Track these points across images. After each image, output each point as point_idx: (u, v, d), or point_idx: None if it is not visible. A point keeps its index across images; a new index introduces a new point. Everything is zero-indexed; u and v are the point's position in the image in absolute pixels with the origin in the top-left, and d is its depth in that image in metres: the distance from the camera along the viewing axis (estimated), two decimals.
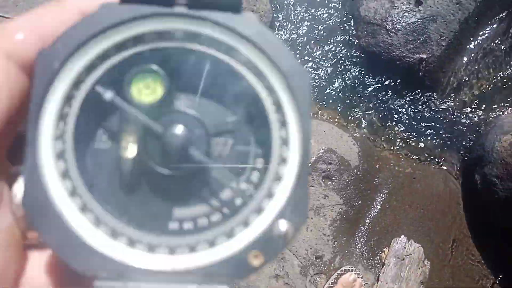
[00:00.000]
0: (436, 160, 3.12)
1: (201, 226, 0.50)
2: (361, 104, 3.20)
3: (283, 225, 0.47)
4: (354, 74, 3.25)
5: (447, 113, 3.21)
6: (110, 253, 0.46)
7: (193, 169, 0.49)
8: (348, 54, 3.30)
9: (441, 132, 3.17)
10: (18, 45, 0.45)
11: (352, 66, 3.27)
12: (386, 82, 3.23)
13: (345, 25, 3.35)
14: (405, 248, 2.64)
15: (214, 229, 0.49)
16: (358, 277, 2.50)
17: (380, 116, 3.18)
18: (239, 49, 0.49)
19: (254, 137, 0.52)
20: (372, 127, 3.15)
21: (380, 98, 3.21)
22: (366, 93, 3.22)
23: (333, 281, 2.47)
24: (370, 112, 3.18)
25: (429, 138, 3.16)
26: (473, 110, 3.21)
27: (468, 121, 3.19)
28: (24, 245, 0.49)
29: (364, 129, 3.14)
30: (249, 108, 0.51)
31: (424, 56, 3.12)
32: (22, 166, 0.45)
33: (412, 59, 3.13)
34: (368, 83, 3.24)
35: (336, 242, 2.64)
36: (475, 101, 3.22)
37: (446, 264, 2.78)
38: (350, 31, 3.34)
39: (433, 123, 3.19)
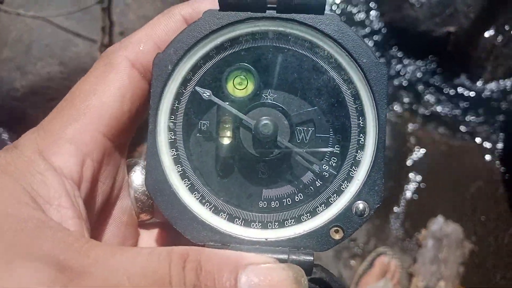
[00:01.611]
0: (472, 136, 2.99)
1: (287, 205, 0.59)
2: (389, 83, 3.10)
3: (360, 205, 0.56)
4: (380, 51, 3.15)
5: (480, 88, 3.08)
6: (216, 226, 0.57)
7: (279, 154, 0.59)
8: (372, 31, 3.20)
9: (474, 107, 3.05)
10: (139, 54, 0.57)
11: (377, 43, 3.17)
12: (414, 58, 3.12)
13: (369, 1, 3.25)
14: (442, 228, 2.54)
15: (299, 208, 0.59)
16: (393, 258, 2.42)
17: (410, 93, 3.08)
18: (321, 46, 0.58)
19: (333, 125, 0.59)
20: (402, 105, 3.05)
21: (409, 75, 3.11)
22: (394, 71, 3.12)
23: (368, 263, 2.40)
24: (400, 90, 3.08)
25: (462, 114, 3.04)
26: (507, 83, 3.07)
27: (503, 94, 3.05)
28: (138, 224, 0.64)
29: (395, 108, 3.04)
30: (329, 100, 0.59)
31: (452, 29, 3.00)
32: (145, 153, 0.58)
33: (439, 33, 3.01)
34: (395, 60, 3.14)
35: (370, 225, 2.56)
36: (509, 74, 3.08)
37: (487, 244, 2.66)
38: (374, 7, 3.24)
39: (466, 98, 3.07)
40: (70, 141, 0.52)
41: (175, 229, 0.57)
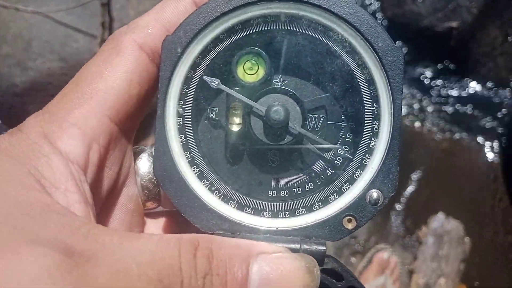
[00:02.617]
0: (473, 133, 2.98)
1: (297, 194, 0.57)
2: None
3: (375, 194, 0.54)
4: None
5: (482, 84, 3.06)
6: (226, 214, 0.55)
7: (291, 142, 0.57)
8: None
9: (476, 104, 3.03)
10: (148, 37, 0.55)
11: None
12: (416, 54, 3.10)
13: None
14: (443, 225, 2.53)
15: (311, 197, 0.57)
16: (392, 254, 2.42)
17: (411, 89, 3.06)
18: (335, 29, 0.56)
19: (346, 112, 0.57)
20: (404, 101, 3.03)
21: (411, 70, 3.09)
22: None
23: (368, 260, 2.40)
24: (404, 77, 3.07)
25: (464, 111, 3.02)
26: (510, 79, 3.05)
27: (506, 91, 3.03)
28: (144, 213, 0.62)
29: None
30: (343, 85, 0.57)
31: (455, 24, 2.97)
32: (155, 138, 0.56)
33: (441, 28, 2.98)
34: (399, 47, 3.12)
35: (370, 222, 2.55)
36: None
37: (488, 241, 2.65)
38: (375, 2, 3.22)
39: (467, 95, 3.05)
40: (76, 125, 0.50)
41: (182, 218, 0.56)
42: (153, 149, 0.59)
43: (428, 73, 3.09)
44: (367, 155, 0.57)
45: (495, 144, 2.94)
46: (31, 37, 2.14)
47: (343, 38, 0.56)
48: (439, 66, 3.10)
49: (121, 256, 0.40)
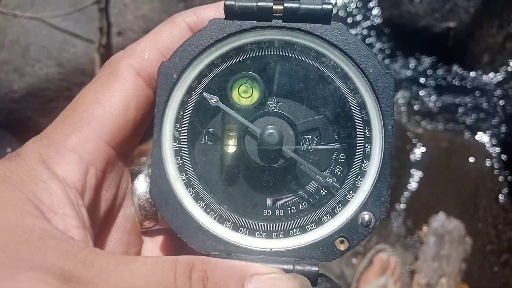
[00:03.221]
0: (473, 132, 2.98)
1: (291, 214, 0.59)
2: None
3: (366, 216, 0.55)
4: (379, 48, 3.14)
5: (481, 84, 3.06)
6: (221, 235, 0.57)
7: (284, 164, 0.58)
8: (372, 27, 3.18)
9: (475, 104, 3.03)
10: (144, 63, 0.56)
11: (377, 40, 3.16)
12: (414, 54, 3.11)
13: None
14: (444, 225, 2.53)
15: (304, 217, 0.58)
16: (392, 255, 2.42)
17: (410, 90, 3.07)
18: (328, 56, 0.58)
19: (339, 135, 0.58)
20: (403, 101, 3.04)
21: (409, 71, 3.10)
22: (394, 67, 3.10)
23: (368, 260, 2.39)
24: (400, 86, 3.07)
25: (463, 110, 3.03)
26: (508, 79, 3.05)
27: (504, 90, 3.03)
28: (141, 232, 0.63)
29: (395, 105, 3.03)
30: (335, 109, 0.58)
31: (452, 24, 2.98)
32: (151, 161, 0.57)
33: (439, 28, 2.99)
34: (395, 57, 3.12)
35: None
36: (510, 69, 3.06)
37: (489, 240, 2.65)
38: (373, 3, 3.22)
39: (466, 95, 3.05)
40: (73, 150, 0.51)
41: (179, 237, 0.57)
42: (149, 170, 0.59)
43: (426, 73, 3.10)
44: (359, 177, 0.58)
45: (495, 143, 2.94)
46: (29, 43, 2.15)
47: (335, 64, 0.58)
48: (437, 66, 3.10)
49: (117, 281, 0.41)
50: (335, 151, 0.59)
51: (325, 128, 0.59)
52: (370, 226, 0.56)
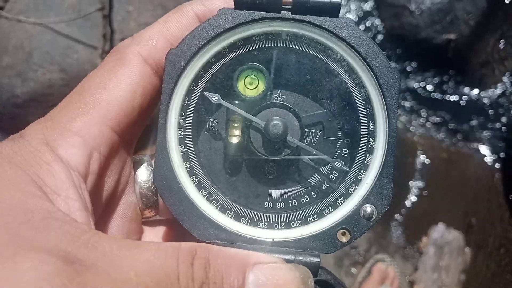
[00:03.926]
0: (473, 144, 2.98)
1: (293, 207, 0.59)
2: None
3: (368, 209, 0.56)
4: None
5: (481, 95, 3.07)
6: (223, 224, 0.57)
7: (289, 155, 0.58)
8: (373, 38, 3.20)
9: (475, 114, 3.04)
10: (152, 50, 0.56)
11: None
12: (414, 66, 3.12)
13: (368, 8, 3.26)
14: (444, 236, 2.52)
15: (306, 209, 0.58)
16: (391, 264, 2.41)
17: (411, 101, 3.07)
18: (334, 49, 0.58)
19: (343, 129, 0.59)
20: (403, 112, 3.04)
21: (409, 82, 3.11)
22: None
23: (367, 270, 2.39)
24: (400, 97, 3.08)
25: (463, 121, 3.03)
26: (507, 90, 3.07)
27: (503, 101, 3.04)
28: (142, 221, 0.63)
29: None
30: (340, 103, 0.58)
31: (452, 36, 3.00)
32: (155, 148, 0.57)
33: (439, 40, 3.01)
34: (395, 68, 3.13)
35: (371, 232, 2.55)
36: (510, 80, 3.07)
37: (488, 251, 2.64)
38: (374, 14, 3.24)
39: (466, 105, 3.06)
40: (77, 133, 0.51)
41: (180, 227, 0.57)
42: (152, 159, 0.61)
43: (427, 83, 3.11)
44: (362, 170, 0.58)
45: (494, 154, 2.95)
46: (32, 48, 2.15)
47: (341, 58, 0.58)
48: (438, 77, 3.11)
49: (120, 265, 0.41)
50: (339, 144, 0.59)
51: (329, 121, 0.59)
52: (372, 219, 0.56)
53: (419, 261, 2.50)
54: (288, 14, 0.57)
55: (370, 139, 0.58)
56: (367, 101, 0.58)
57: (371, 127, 0.58)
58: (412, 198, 2.72)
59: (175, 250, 0.44)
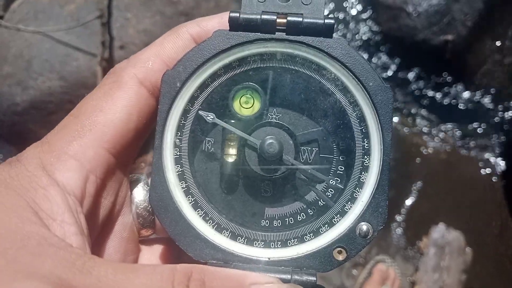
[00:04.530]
0: (471, 145, 2.99)
1: (289, 224, 0.59)
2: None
3: (364, 227, 0.56)
4: (378, 61, 3.16)
5: (478, 96, 3.08)
6: (219, 244, 0.57)
7: (284, 173, 0.59)
8: (370, 40, 3.21)
9: (473, 116, 3.04)
10: (148, 72, 0.57)
11: (375, 53, 3.18)
12: (413, 67, 3.12)
13: (366, 11, 3.27)
14: (444, 236, 2.52)
15: (302, 227, 0.59)
16: (391, 265, 2.41)
17: (409, 102, 3.08)
18: (328, 68, 0.59)
19: (338, 146, 0.59)
20: (401, 114, 3.05)
21: (408, 84, 3.11)
22: (393, 80, 3.12)
23: (367, 271, 2.39)
24: (398, 99, 3.08)
25: (462, 122, 3.03)
26: (506, 91, 3.07)
27: (502, 103, 3.05)
28: (139, 240, 0.63)
29: (394, 117, 3.03)
30: (335, 121, 0.59)
31: (450, 37, 3.00)
32: (152, 168, 0.58)
33: (437, 41, 3.01)
34: (393, 70, 3.14)
35: None
36: (509, 82, 3.08)
37: (489, 251, 2.64)
38: (371, 17, 3.26)
39: (464, 107, 3.07)
40: (74, 157, 0.51)
41: (176, 245, 0.57)
42: (149, 179, 0.60)
43: (425, 85, 3.11)
44: (357, 188, 0.58)
45: (493, 154, 2.95)
46: (32, 57, 2.17)
47: (335, 77, 0.59)
48: (436, 78, 3.12)
49: None
50: (334, 162, 0.59)
51: (324, 139, 0.59)
52: (368, 237, 0.56)
53: (420, 261, 2.50)
54: (283, 35, 0.58)
55: (365, 157, 0.59)
56: (362, 119, 0.59)
57: (366, 145, 0.59)
58: (412, 199, 2.72)
59: (170, 273, 0.44)
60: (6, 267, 0.39)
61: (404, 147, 2.87)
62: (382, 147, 0.58)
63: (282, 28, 0.58)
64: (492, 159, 2.94)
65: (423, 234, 2.59)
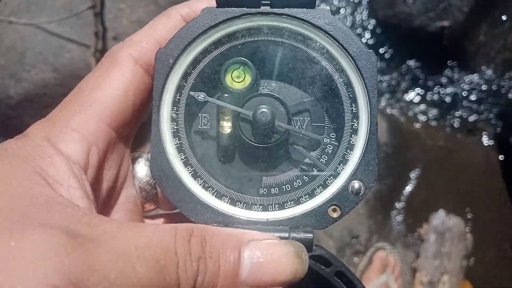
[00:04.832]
0: (470, 130, 2.98)
1: (287, 190, 0.62)
2: (386, 78, 3.09)
3: (356, 184, 0.59)
4: (375, 48, 3.14)
5: (476, 81, 3.07)
6: (219, 208, 0.60)
7: (279, 140, 0.61)
8: (367, 28, 3.20)
9: (471, 101, 3.04)
10: (142, 51, 0.60)
11: (372, 40, 3.17)
12: (409, 54, 3.11)
13: None
14: (444, 222, 2.52)
15: (298, 191, 0.62)
16: (391, 252, 2.41)
17: (407, 89, 3.07)
18: (314, 38, 0.61)
19: (328, 114, 0.62)
20: (399, 101, 3.04)
21: (405, 70, 3.10)
22: (390, 67, 3.11)
23: (368, 259, 2.38)
24: (396, 86, 3.07)
25: (460, 108, 3.03)
26: (503, 76, 3.06)
27: (501, 88, 3.04)
28: (143, 214, 0.67)
29: (391, 104, 3.03)
30: (323, 89, 0.62)
31: (446, 23, 2.99)
32: (150, 141, 0.61)
33: (433, 28, 3.00)
34: (391, 56, 3.13)
35: (371, 221, 2.55)
36: (506, 67, 3.07)
37: (489, 237, 2.64)
38: (366, 4, 3.24)
39: (463, 92, 3.06)
40: (76, 129, 0.54)
41: (180, 219, 0.59)
42: (149, 155, 0.62)
43: (423, 71, 3.10)
44: (348, 150, 0.61)
45: (492, 138, 2.94)
46: (24, 49, 2.14)
47: (321, 46, 0.61)
48: (433, 65, 3.11)
49: (121, 240, 0.44)
50: (326, 129, 0.62)
51: (315, 108, 0.62)
52: (360, 194, 0.59)
53: (421, 248, 2.49)
54: (267, 8, 0.61)
55: (354, 120, 0.61)
56: (348, 85, 0.61)
57: (354, 109, 0.61)
58: (411, 186, 2.72)
59: (172, 229, 0.47)
60: (17, 220, 0.42)
61: (402, 135, 2.87)
62: (369, 109, 0.60)
63: (267, 2, 0.61)
64: (491, 144, 2.94)
65: (423, 221, 2.59)
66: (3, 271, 0.37)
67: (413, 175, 2.75)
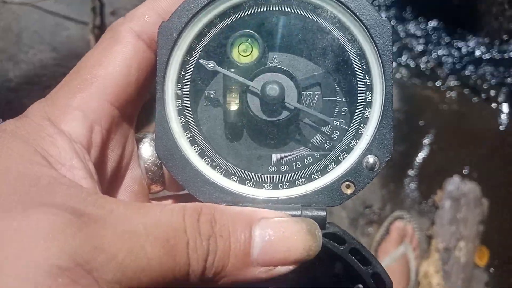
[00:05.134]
0: (484, 95, 2.90)
1: (297, 167, 0.59)
2: (397, 43, 3.01)
3: (371, 159, 0.56)
4: (386, 12, 3.06)
5: (490, 44, 2.97)
6: (228, 187, 0.58)
7: (288, 117, 0.59)
8: None
9: (485, 65, 2.95)
10: (144, 25, 0.58)
11: (383, 5, 3.08)
12: (422, 17, 3.02)
13: None
14: (459, 188, 2.47)
15: (310, 168, 0.59)
16: (409, 221, 2.37)
17: (420, 54, 2.99)
18: (324, 7, 0.58)
19: (340, 87, 0.59)
20: (410, 66, 2.96)
21: (418, 32, 3.01)
22: (402, 31, 3.02)
23: (385, 229, 2.35)
24: (409, 50, 2.99)
25: (473, 72, 2.94)
26: None
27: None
28: (149, 196, 0.65)
29: (402, 69, 2.95)
30: (335, 60, 0.59)
31: None
32: (155, 120, 0.58)
33: None
34: (402, 20, 3.04)
35: (384, 190, 2.51)
36: None
37: (506, 201, 2.59)
38: None
39: (476, 56, 2.97)
40: (77, 108, 0.53)
41: (188, 199, 0.57)
42: (154, 134, 0.61)
43: (434, 35, 3.01)
44: (362, 124, 0.59)
45: (506, 103, 2.86)
46: (21, 29, 2.09)
47: (332, 15, 0.58)
48: (444, 27, 3.02)
49: (128, 219, 0.43)
50: (338, 103, 0.60)
51: (326, 82, 0.60)
52: (375, 169, 0.57)
53: (436, 215, 2.45)
54: None
55: (368, 92, 0.58)
56: (362, 55, 0.59)
57: (368, 81, 0.58)
58: (425, 152, 2.67)
59: (181, 209, 0.46)
60: (18, 200, 0.40)
61: (415, 100, 2.80)
62: (384, 81, 0.58)
63: None
64: (505, 109, 2.85)
65: (437, 188, 2.54)
66: (6, 252, 0.36)
67: (425, 141, 2.69)
